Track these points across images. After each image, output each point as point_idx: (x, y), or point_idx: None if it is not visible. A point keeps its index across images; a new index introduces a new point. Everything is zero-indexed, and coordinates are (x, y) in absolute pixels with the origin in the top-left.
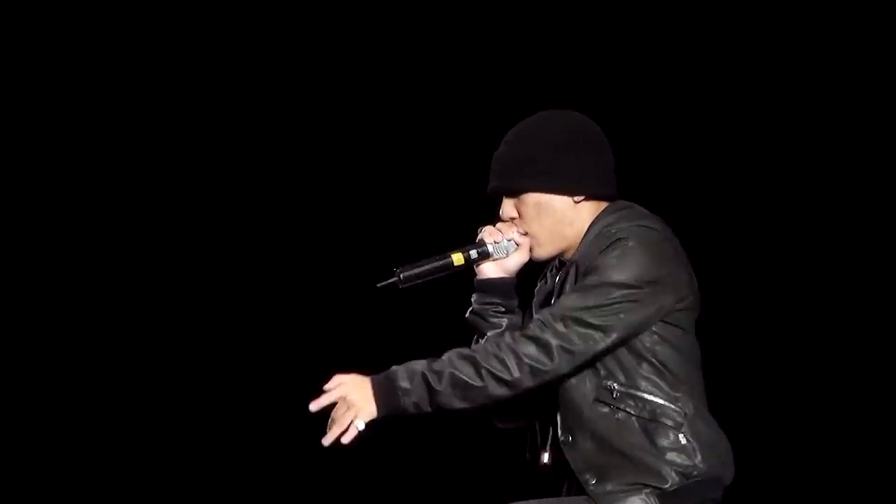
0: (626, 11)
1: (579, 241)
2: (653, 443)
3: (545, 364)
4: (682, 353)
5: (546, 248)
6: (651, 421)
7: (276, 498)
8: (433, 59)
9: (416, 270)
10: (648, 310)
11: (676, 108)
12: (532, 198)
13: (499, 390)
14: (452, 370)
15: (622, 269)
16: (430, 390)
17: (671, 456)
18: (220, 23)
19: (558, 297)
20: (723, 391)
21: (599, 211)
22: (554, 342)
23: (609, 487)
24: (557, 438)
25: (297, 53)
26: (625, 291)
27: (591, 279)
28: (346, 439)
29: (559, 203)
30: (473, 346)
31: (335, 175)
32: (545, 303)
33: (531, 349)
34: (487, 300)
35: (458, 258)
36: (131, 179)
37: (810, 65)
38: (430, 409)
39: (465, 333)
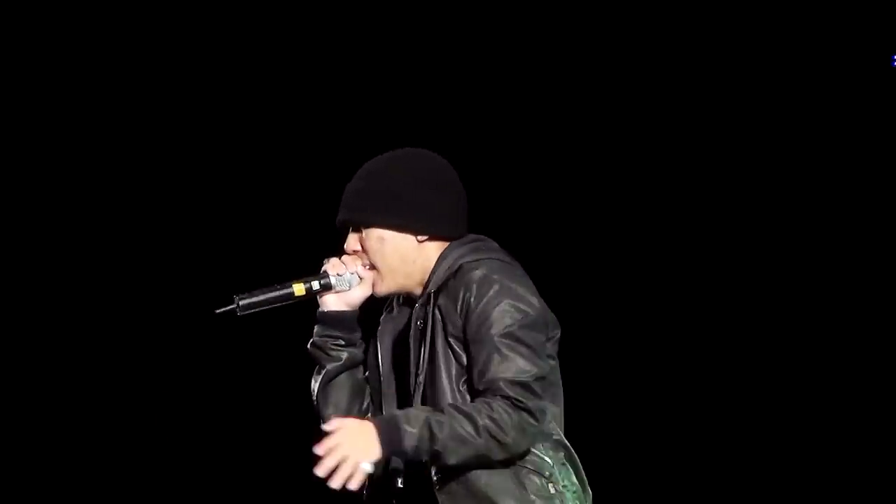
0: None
1: (422, 277)
2: (522, 491)
3: (532, 424)
4: (549, 383)
5: (387, 284)
6: (521, 468)
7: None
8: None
9: (256, 298)
10: (548, 329)
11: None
12: (375, 233)
13: (495, 450)
14: (453, 422)
15: (513, 309)
16: (432, 436)
17: None
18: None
19: (425, 331)
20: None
21: (444, 248)
22: (531, 404)
23: None
24: (430, 479)
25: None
26: (531, 331)
27: (498, 336)
28: (354, 485)
29: (402, 240)
30: (465, 404)
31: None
32: (401, 336)
33: (515, 413)
34: (328, 332)
35: (299, 288)
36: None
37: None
38: (426, 457)
39: (308, 364)
